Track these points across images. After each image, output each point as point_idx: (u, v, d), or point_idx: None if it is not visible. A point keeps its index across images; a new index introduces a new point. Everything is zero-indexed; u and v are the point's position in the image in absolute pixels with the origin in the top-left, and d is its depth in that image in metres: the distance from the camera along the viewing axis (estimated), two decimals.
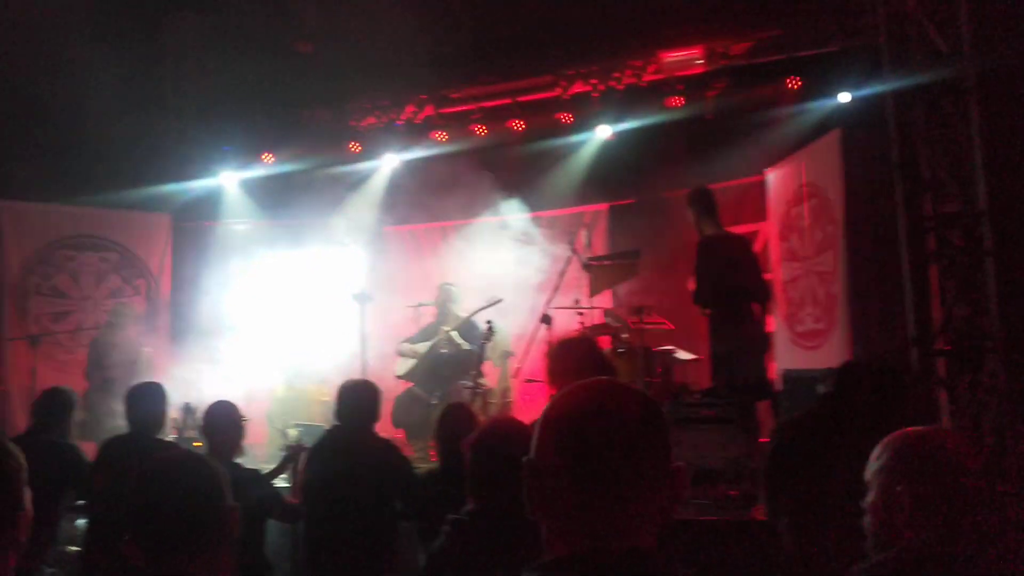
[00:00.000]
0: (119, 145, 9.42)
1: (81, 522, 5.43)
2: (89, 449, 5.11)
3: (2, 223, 9.21)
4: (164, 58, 10.70)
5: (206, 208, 10.41)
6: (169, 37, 10.69)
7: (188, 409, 6.05)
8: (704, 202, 6.73)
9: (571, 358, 3.74)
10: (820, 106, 7.70)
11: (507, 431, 2.75)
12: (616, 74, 8.84)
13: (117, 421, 5.37)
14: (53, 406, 5.09)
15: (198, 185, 10.26)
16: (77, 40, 8.62)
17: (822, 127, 7.59)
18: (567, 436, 1.37)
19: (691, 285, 6.73)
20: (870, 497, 2.20)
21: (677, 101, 8.56)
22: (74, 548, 5.35)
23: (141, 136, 9.74)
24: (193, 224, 10.47)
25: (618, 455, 1.33)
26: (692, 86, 8.53)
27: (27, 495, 1.90)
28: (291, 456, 5.15)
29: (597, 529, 1.33)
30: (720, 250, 6.56)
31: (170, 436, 5.86)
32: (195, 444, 5.57)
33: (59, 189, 9.41)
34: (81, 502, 5.08)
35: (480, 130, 9.39)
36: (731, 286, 6.44)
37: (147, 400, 4.94)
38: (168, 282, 10.04)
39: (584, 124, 9.17)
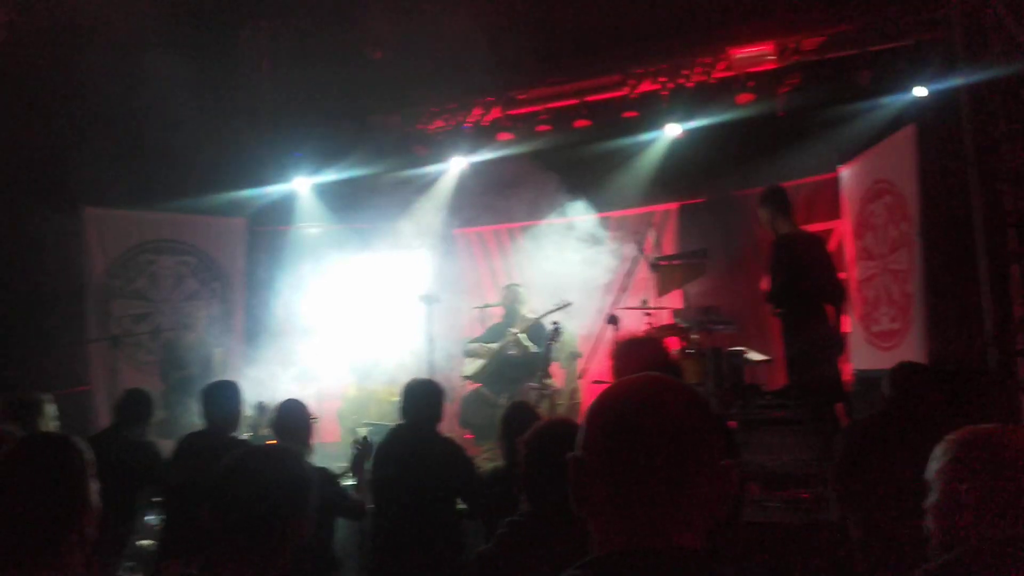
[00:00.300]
0: (197, 152, 9.70)
1: (151, 518, 5.60)
2: (168, 448, 5.25)
3: (87, 229, 9.56)
4: (240, 66, 10.98)
5: (280, 213, 10.65)
6: (244, 45, 10.97)
7: (261, 407, 6.18)
8: (778, 200, 6.61)
9: (636, 358, 3.71)
10: (894, 101, 7.50)
11: (561, 431, 2.71)
12: (685, 71, 8.75)
13: (194, 419, 5.51)
14: (133, 406, 5.25)
15: (272, 190, 10.51)
16: (156, 50, 8.91)
17: (897, 122, 7.40)
18: (609, 432, 1.36)
19: (765, 285, 6.62)
20: (932, 498, 2.13)
21: (748, 98, 8.43)
22: (151, 543, 5.51)
23: (218, 143, 10.01)
24: (267, 228, 10.71)
25: (659, 451, 1.31)
26: (763, 83, 8.38)
27: (95, 490, 1.96)
28: (362, 453, 5.16)
29: (639, 526, 1.31)
30: (795, 249, 6.44)
31: (244, 434, 6.00)
32: (268, 442, 5.68)
33: (140, 195, 9.73)
34: (158, 498, 5.23)
35: (547, 131, 9.39)
36: (805, 286, 6.32)
37: (222, 398, 5.06)
38: (243, 285, 10.29)
39: (653, 123, 9.09)
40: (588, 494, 1.37)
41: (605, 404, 1.41)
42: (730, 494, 1.37)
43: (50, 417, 4.79)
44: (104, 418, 8.04)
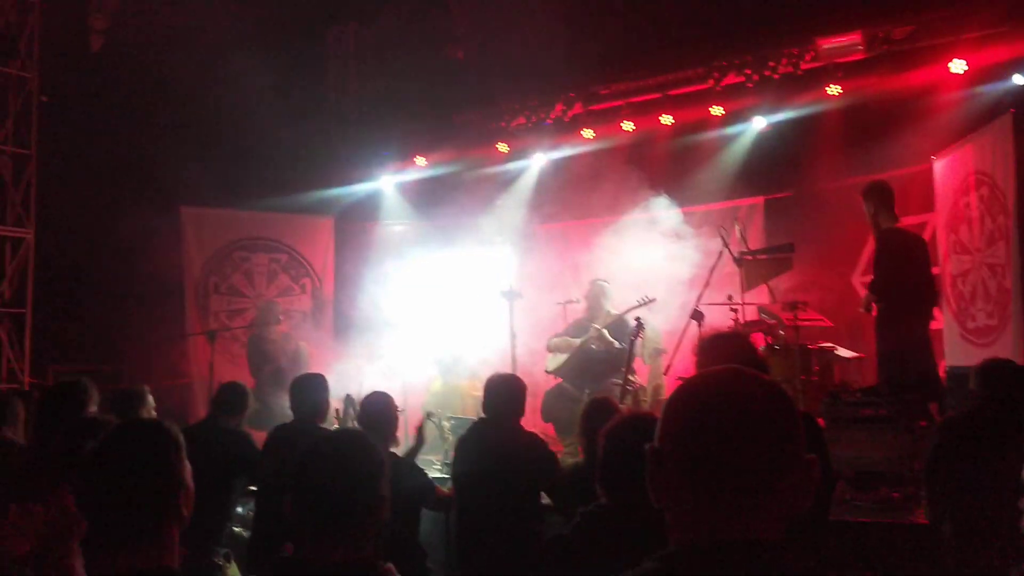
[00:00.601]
0: (287, 153, 9.99)
1: (244, 507, 5.78)
2: (261, 439, 5.40)
3: (185, 228, 9.93)
4: (327, 69, 11.25)
5: (366, 210, 10.89)
6: (331, 48, 11.23)
7: (349, 400, 6.31)
8: (882, 195, 6.50)
9: (721, 353, 3.67)
10: (990, 89, 7.26)
11: (640, 424, 2.69)
12: (771, 63, 8.61)
13: (285, 412, 5.66)
14: (229, 398, 5.42)
15: (359, 189, 10.75)
16: (246, 54, 9.19)
17: (993, 111, 7.15)
18: (689, 423, 1.36)
19: (857, 280, 6.53)
20: None
21: (836, 89, 8.27)
22: (245, 531, 5.69)
23: (307, 144, 10.28)
24: (354, 226, 10.95)
25: (738, 444, 1.30)
26: (852, 73, 8.21)
27: (187, 472, 2.04)
28: (421, 428, 5.34)
29: (717, 519, 1.31)
30: (897, 244, 6.34)
31: (332, 425, 6.14)
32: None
33: (234, 195, 10.07)
34: (252, 488, 5.39)
35: (629, 126, 9.35)
36: (905, 282, 6.22)
37: (310, 390, 5.19)
38: (331, 281, 10.54)
39: (737, 116, 8.98)
40: (666, 485, 1.36)
41: (685, 395, 1.40)
42: (813, 488, 1.35)
43: (151, 407, 4.99)
44: (201, 409, 8.35)
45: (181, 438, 2.06)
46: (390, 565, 2.01)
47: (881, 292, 6.28)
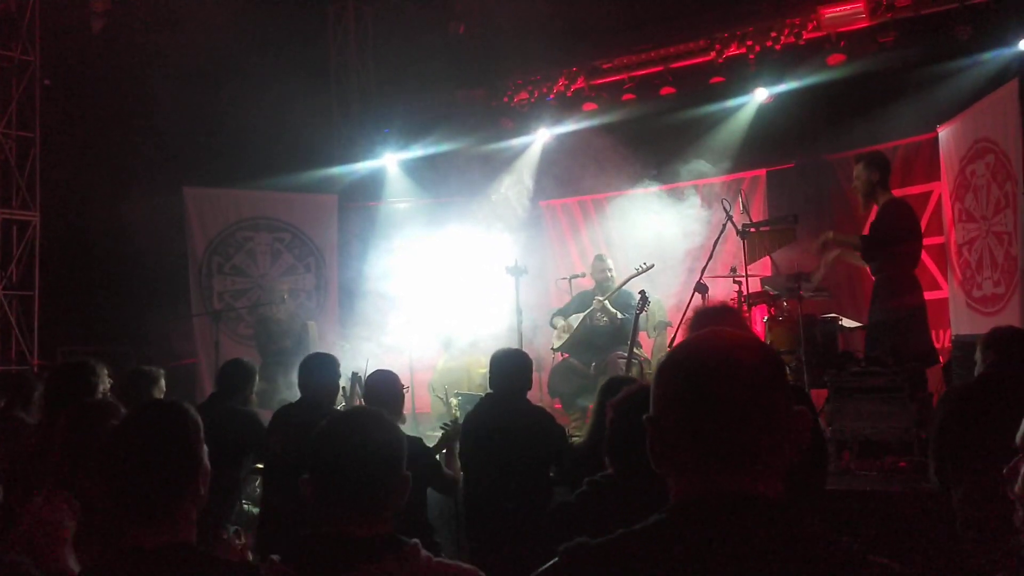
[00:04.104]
0: (290, 132, 9.96)
1: (253, 485, 5.80)
2: (267, 418, 5.40)
3: (188, 208, 9.93)
4: (329, 47, 11.21)
5: (369, 189, 10.89)
6: (332, 27, 11.19)
7: (355, 378, 6.32)
8: (887, 165, 6.47)
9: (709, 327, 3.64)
10: (996, 56, 7.21)
11: (646, 397, 2.67)
12: (773, 34, 8.58)
13: (292, 391, 5.66)
14: (234, 376, 5.42)
15: (362, 167, 10.74)
16: (249, 36, 9.15)
17: (999, 78, 7.10)
18: (679, 387, 1.37)
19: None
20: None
21: (839, 59, 8.23)
22: (255, 509, 5.72)
23: (309, 123, 10.25)
24: (358, 204, 10.95)
25: (730, 399, 1.32)
26: (855, 42, 8.17)
27: (204, 452, 2.10)
28: (451, 433, 5.22)
29: (713, 477, 1.33)
30: (910, 215, 6.33)
31: (340, 404, 6.14)
32: None
33: (237, 175, 10.06)
34: (260, 466, 5.41)
35: (632, 99, 9.32)
36: (911, 252, 6.21)
37: (319, 370, 5.14)
38: (335, 260, 10.55)
39: (740, 88, 8.95)
40: (664, 451, 1.38)
41: (670, 362, 1.42)
42: (803, 439, 1.36)
43: (162, 388, 5.01)
44: (208, 389, 8.37)
45: (200, 420, 2.13)
46: (416, 542, 2.00)
47: (883, 259, 6.23)
